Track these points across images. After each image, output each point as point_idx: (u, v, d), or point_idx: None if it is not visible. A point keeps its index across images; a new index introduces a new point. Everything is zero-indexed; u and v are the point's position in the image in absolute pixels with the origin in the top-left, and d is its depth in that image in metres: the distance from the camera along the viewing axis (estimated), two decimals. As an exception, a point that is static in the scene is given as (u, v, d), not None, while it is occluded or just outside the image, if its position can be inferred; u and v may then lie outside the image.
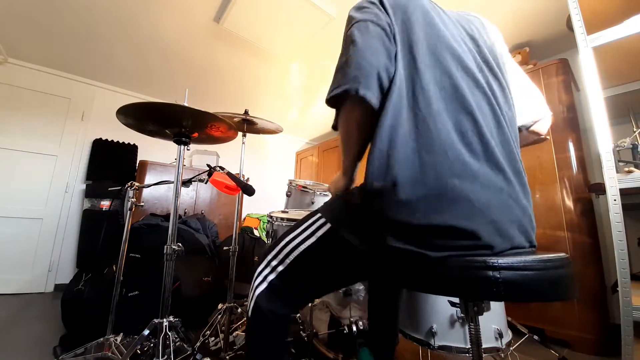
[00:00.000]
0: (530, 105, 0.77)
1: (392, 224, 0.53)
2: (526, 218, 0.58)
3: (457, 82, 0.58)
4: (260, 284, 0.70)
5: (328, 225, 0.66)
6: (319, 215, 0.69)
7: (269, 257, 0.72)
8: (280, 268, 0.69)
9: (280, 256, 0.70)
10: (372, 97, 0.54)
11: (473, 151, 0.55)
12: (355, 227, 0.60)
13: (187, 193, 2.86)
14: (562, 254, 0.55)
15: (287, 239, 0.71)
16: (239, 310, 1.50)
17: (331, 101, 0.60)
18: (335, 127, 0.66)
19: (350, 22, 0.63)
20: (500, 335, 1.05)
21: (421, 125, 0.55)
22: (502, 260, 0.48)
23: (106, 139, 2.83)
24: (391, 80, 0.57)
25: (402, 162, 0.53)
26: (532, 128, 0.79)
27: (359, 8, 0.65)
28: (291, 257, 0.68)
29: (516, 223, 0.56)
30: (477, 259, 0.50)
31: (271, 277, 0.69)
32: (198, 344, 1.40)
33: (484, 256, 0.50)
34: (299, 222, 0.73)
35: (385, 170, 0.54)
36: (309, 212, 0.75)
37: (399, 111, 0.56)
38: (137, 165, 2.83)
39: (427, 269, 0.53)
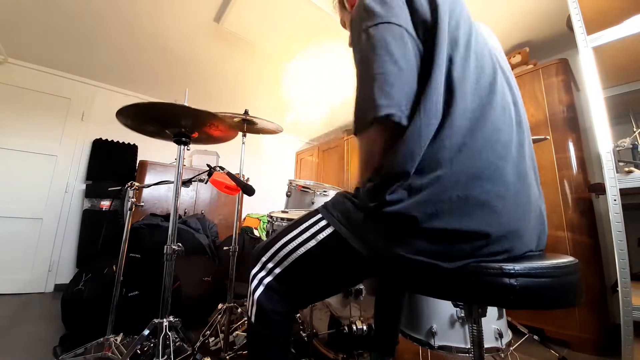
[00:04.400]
0: None
1: (406, 229, 0.50)
2: (541, 222, 0.57)
3: (490, 79, 0.56)
4: (257, 287, 0.66)
5: (331, 229, 0.61)
6: (320, 216, 0.65)
7: (264, 258, 0.68)
8: (277, 270, 0.66)
9: (277, 258, 0.66)
10: (405, 120, 0.51)
11: (500, 153, 0.53)
12: (363, 233, 0.56)
13: (187, 193, 2.86)
14: (572, 259, 0.53)
15: (284, 240, 0.67)
16: (239, 310, 1.50)
17: (363, 120, 0.55)
18: (356, 133, 0.60)
19: (372, 18, 0.55)
20: (500, 335, 1.05)
21: (456, 125, 0.51)
22: (519, 267, 0.46)
23: (106, 139, 2.84)
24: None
25: (431, 163, 0.51)
26: None
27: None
28: (289, 259, 0.65)
29: (534, 229, 0.55)
30: (493, 265, 0.48)
31: (268, 279, 0.66)
32: (198, 344, 1.40)
33: (499, 262, 0.48)
34: (297, 222, 0.68)
35: (413, 171, 0.51)
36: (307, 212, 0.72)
37: (430, 112, 0.53)
38: (137, 165, 2.83)
39: (439, 278, 0.51)
